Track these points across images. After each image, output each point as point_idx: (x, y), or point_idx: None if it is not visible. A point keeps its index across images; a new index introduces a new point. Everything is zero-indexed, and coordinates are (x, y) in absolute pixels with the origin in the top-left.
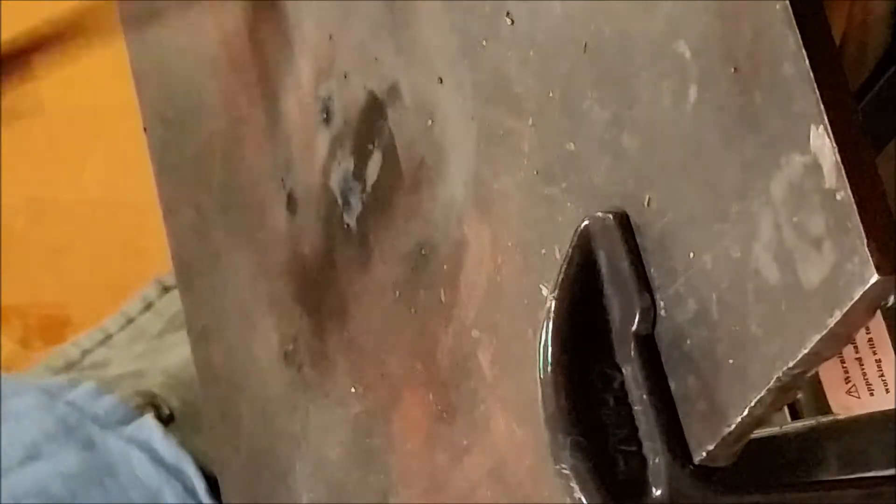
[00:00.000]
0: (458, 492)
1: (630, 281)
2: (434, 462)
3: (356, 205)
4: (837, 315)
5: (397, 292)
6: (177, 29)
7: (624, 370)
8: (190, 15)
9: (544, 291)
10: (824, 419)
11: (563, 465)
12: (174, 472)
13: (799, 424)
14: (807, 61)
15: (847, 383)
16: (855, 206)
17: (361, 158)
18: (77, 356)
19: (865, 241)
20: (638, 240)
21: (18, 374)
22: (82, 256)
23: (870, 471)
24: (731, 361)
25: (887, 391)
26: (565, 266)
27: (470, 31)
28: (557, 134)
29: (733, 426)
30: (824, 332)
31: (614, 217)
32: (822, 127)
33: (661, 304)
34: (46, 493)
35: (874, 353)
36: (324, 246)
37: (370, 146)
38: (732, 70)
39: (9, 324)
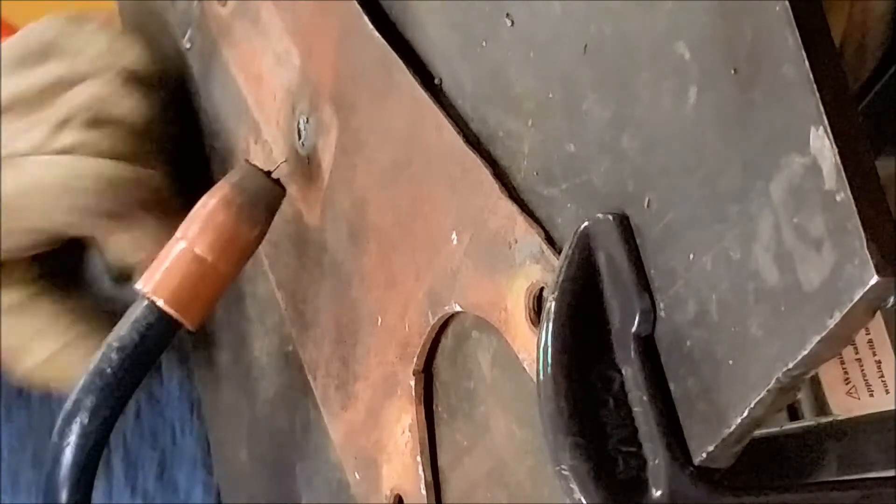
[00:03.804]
0: (458, 492)
1: (630, 282)
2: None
3: None
4: (837, 316)
5: None
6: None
7: (624, 371)
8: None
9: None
10: (824, 419)
11: (563, 466)
12: None
13: (799, 424)
14: (807, 62)
15: (847, 384)
16: (855, 208)
17: None
18: None
19: (865, 242)
20: (638, 240)
21: None
22: None
23: (870, 471)
24: (730, 362)
25: (887, 392)
26: (565, 267)
27: (470, 31)
28: (557, 134)
29: (733, 427)
30: (824, 333)
31: (614, 218)
32: (821, 128)
33: (661, 305)
34: None
35: (874, 354)
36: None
37: None
38: (732, 70)
39: None
